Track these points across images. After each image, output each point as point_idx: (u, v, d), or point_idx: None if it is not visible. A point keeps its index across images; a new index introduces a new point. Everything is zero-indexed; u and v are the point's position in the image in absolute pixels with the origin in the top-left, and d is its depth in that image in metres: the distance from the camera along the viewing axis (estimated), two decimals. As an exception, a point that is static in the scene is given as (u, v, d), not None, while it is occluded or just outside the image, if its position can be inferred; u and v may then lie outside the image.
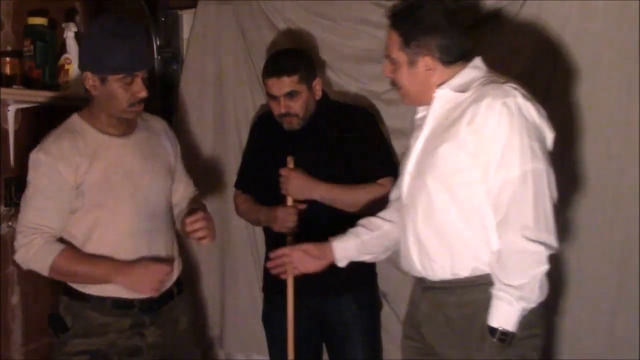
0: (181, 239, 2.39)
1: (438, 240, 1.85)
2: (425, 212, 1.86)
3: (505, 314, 1.74)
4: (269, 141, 2.59)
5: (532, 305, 1.75)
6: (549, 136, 1.82)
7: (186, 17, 3.16)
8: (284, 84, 2.39)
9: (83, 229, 2.11)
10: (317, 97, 2.49)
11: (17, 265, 2.18)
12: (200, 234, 2.17)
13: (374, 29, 2.61)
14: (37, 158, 2.07)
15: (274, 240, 2.46)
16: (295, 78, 2.40)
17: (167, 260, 2.18)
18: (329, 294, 2.47)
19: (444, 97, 1.87)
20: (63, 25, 2.77)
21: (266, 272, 2.62)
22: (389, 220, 2.10)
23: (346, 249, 2.13)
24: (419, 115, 1.98)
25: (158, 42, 3.12)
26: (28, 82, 2.58)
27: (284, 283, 2.36)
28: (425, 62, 1.88)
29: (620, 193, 2.42)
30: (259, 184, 2.59)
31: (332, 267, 2.32)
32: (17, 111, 2.62)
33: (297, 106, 2.42)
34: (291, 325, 2.38)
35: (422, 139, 1.91)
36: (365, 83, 2.74)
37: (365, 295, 2.55)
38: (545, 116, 1.80)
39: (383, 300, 2.72)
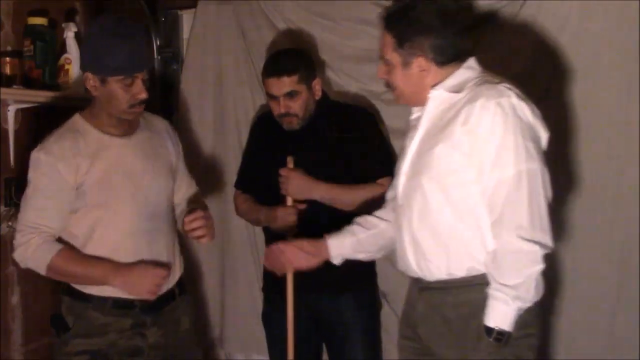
0: (183, 239, 2.39)
1: (434, 240, 1.85)
2: (421, 213, 1.86)
3: (501, 314, 1.74)
4: (269, 141, 2.59)
5: (528, 304, 1.75)
6: (544, 136, 1.81)
7: (186, 17, 3.16)
8: (284, 84, 2.39)
9: (84, 229, 2.11)
10: (317, 97, 2.50)
11: (17, 265, 2.18)
12: (199, 232, 2.17)
13: (374, 29, 2.59)
14: (38, 158, 2.08)
15: (274, 240, 2.45)
16: (295, 78, 2.40)
17: (166, 264, 2.18)
18: (329, 293, 2.47)
19: (438, 98, 1.87)
20: (63, 25, 2.77)
21: (266, 272, 2.62)
22: (385, 220, 2.11)
23: (341, 247, 2.13)
24: (414, 115, 1.99)
25: (158, 42, 3.12)
26: (28, 82, 2.58)
27: (283, 283, 2.37)
28: (419, 63, 1.88)
29: (620, 193, 2.42)
30: (259, 184, 2.59)
31: (332, 267, 2.32)
32: (17, 111, 2.62)
33: (296, 106, 2.43)
34: (291, 325, 2.38)
35: (417, 140, 1.91)
36: (365, 83, 2.74)
37: (365, 295, 2.56)
38: (539, 116, 1.80)
39: (383, 300, 2.72)
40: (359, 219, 2.16)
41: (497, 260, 1.75)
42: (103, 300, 2.11)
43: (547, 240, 1.74)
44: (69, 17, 2.88)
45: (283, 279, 2.36)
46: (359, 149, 2.45)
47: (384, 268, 2.60)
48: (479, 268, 1.81)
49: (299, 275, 2.33)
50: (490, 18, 2.54)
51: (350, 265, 2.30)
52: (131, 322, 2.13)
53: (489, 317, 1.75)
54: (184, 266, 2.35)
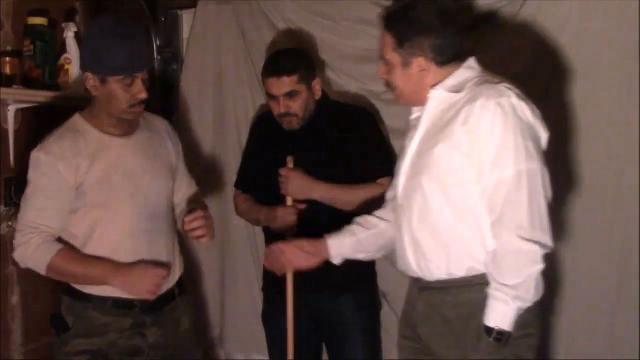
0: (183, 239, 2.39)
1: (434, 240, 1.85)
2: (421, 213, 1.86)
3: (501, 314, 1.74)
4: (269, 141, 2.59)
5: (528, 304, 1.75)
6: (544, 136, 1.81)
7: (186, 17, 3.16)
8: (284, 84, 2.39)
9: (84, 229, 2.11)
10: (317, 97, 2.50)
11: (17, 265, 2.18)
12: (198, 232, 2.17)
13: (374, 29, 2.59)
14: (38, 157, 2.08)
15: (274, 240, 2.45)
16: (294, 78, 2.40)
17: (166, 264, 2.18)
18: (329, 293, 2.47)
19: (438, 98, 1.87)
20: (63, 25, 2.77)
21: (266, 272, 2.62)
22: (385, 220, 2.11)
23: (341, 247, 2.13)
24: (414, 115, 1.99)
25: (158, 42, 3.12)
26: (28, 82, 2.58)
27: (283, 283, 2.37)
28: (419, 63, 1.88)
29: (620, 193, 2.42)
30: (258, 184, 2.59)
31: (332, 267, 2.32)
32: (17, 111, 2.62)
33: (296, 106, 2.43)
34: (291, 324, 2.38)
35: (417, 140, 1.91)
36: (365, 83, 2.74)
37: (365, 295, 2.56)
38: (539, 116, 1.80)
39: (383, 300, 2.72)
40: (359, 219, 2.16)
41: (497, 260, 1.75)
42: (103, 300, 2.11)
43: (547, 240, 1.74)
44: (69, 17, 2.88)
45: (283, 279, 2.36)
46: (359, 149, 2.45)
47: (384, 268, 2.60)
48: (479, 268, 1.81)
49: (299, 275, 2.33)
50: (490, 18, 2.54)
51: (350, 265, 2.30)
52: (131, 322, 2.13)
53: (489, 317, 1.75)
54: (184, 266, 2.35)
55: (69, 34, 2.72)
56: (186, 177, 2.41)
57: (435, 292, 1.88)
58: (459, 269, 1.83)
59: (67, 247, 2.10)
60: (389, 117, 2.68)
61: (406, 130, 2.05)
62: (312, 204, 2.42)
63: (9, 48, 2.62)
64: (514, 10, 2.51)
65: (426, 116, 1.90)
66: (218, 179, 3.01)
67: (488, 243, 1.78)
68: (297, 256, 2.18)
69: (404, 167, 1.94)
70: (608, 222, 2.44)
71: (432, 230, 1.85)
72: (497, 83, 1.80)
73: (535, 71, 2.49)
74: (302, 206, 2.43)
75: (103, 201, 2.10)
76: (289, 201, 2.44)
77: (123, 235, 2.12)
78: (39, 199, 2.08)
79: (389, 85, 1.98)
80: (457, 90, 1.84)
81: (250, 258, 2.98)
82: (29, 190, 2.10)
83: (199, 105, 3.06)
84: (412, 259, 1.90)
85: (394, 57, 1.91)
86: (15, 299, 2.66)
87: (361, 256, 2.17)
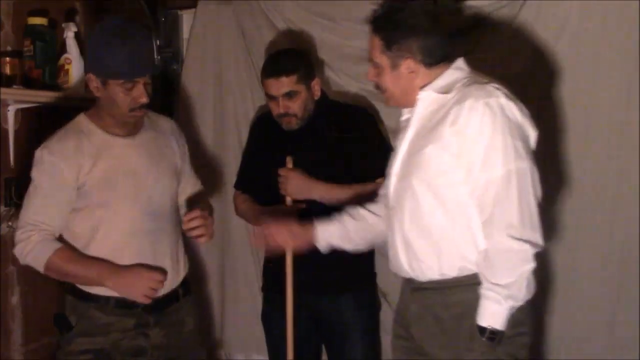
0: (188, 239, 2.38)
1: (425, 241, 1.85)
2: (412, 213, 1.86)
3: (493, 313, 1.74)
4: (268, 141, 2.59)
5: (520, 303, 1.75)
6: (532, 135, 1.81)
7: (186, 17, 3.16)
8: (283, 84, 2.39)
9: (87, 228, 2.11)
10: (316, 97, 2.50)
11: (17, 265, 2.18)
12: (197, 232, 2.16)
13: (374, 29, 2.61)
14: (41, 156, 2.09)
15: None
16: (293, 78, 2.40)
17: (163, 268, 2.17)
18: (329, 293, 2.47)
19: (427, 99, 1.87)
20: (63, 25, 2.77)
21: (265, 272, 2.63)
22: (376, 214, 2.11)
23: (328, 234, 2.14)
24: (404, 117, 1.99)
25: (158, 42, 3.11)
26: (28, 82, 2.57)
27: (283, 283, 2.37)
28: (408, 65, 1.88)
29: (620, 193, 2.43)
30: (258, 184, 2.59)
31: (332, 267, 2.33)
32: (17, 111, 2.62)
33: (295, 106, 2.42)
34: (290, 324, 2.38)
35: (407, 141, 1.91)
36: (365, 83, 2.71)
37: (365, 295, 2.56)
38: (528, 115, 1.80)
39: (383, 300, 2.72)
40: (350, 210, 2.16)
41: (489, 259, 1.76)
42: (106, 299, 2.11)
43: (538, 238, 1.74)
44: (69, 17, 2.88)
45: (283, 279, 2.36)
46: (358, 149, 2.45)
47: (384, 268, 2.58)
48: (470, 268, 1.81)
49: (299, 276, 2.33)
50: (490, 18, 2.54)
51: (350, 265, 2.31)
52: (134, 322, 2.13)
53: (481, 316, 1.75)
54: (188, 266, 2.34)
55: (69, 34, 2.72)
56: (191, 178, 2.40)
57: (428, 292, 1.88)
58: (451, 269, 1.83)
59: (65, 247, 2.10)
60: (389, 117, 2.68)
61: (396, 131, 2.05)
62: (312, 204, 2.42)
63: (9, 48, 2.61)
64: (514, 11, 2.52)
65: (416, 117, 1.90)
66: (218, 179, 3.01)
67: (479, 243, 1.78)
68: (283, 235, 2.17)
69: (395, 168, 1.94)
70: (608, 222, 2.44)
71: (424, 230, 1.85)
72: (486, 83, 1.80)
73: (535, 71, 2.49)
74: (302, 206, 2.43)
75: (106, 201, 2.10)
76: (288, 201, 2.45)
77: (126, 235, 2.12)
78: (40, 197, 2.09)
79: (378, 87, 1.98)
80: (446, 91, 1.84)
81: (250, 258, 2.99)
82: (31, 188, 2.11)
83: (199, 105, 3.06)
84: (404, 260, 1.90)
85: (382, 59, 1.91)
86: (15, 299, 2.66)
87: (348, 246, 2.17)
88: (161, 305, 2.17)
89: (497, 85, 1.79)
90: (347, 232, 2.13)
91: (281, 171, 2.43)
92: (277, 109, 2.44)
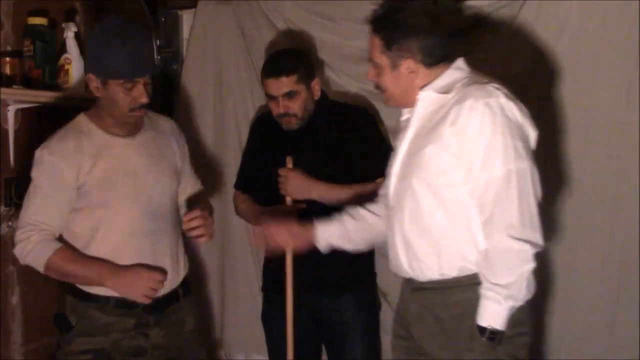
0: (188, 239, 2.38)
1: (425, 241, 1.85)
2: (412, 214, 1.86)
3: (493, 313, 1.74)
4: (268, 141, 2.59)
5: (520, 303, 1.75)
6: (532, 135, 1.81)
7: (186, 17, 3.16)
8: (283, 84, 2.39)
9: (87, 228, 2.11)
10: (316, 97, 2.50)
11: (17, 265, 2.18)
12: (197, 232, 2.17)
13: (374, 29, 2.60)
14: (41, 156, 2.09)
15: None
16: (293, 78, 2.40)
17: (163, 268, 2.17)
18: (329, 293, 2.47)
19: (427, 99, 1.88)
20: (63, 25, 2.77)
21: (265, 272, 2.63)
22: (376, 214, 2.11)
23: (328, 233, 2.14)
24: (404, 117, 1.99)
25: (158, 42, 3.11)
26: (28, 82, 2.57)
27: (283, 283, 2.37)
28: (408, 65, 1.88)
29: (620, 193, 2.43)
30: (258, 184, 2.59)
31: (332, 267, 2.32)
32: (17, 111, 2.62)
33: (295, 106, 2.43)
34: (290, 324, 2.38)
35: (407, 141, 1.91)
36: (365, 83, 2.71)
37: (365, 295, 2.56)
38: (528, 115, 1.80)
39: (383, 300, 2.72)
40: (350, 210, 2.17)
41: (489, 259, 1.76)
42: (105, 299, 2.11)
43: (538, 238, 1.74)
44: (69, 17, 2.88)
45: (283, 279, 2.36)
46: (358, 149, 2.45)
47: (385, 268, 2.58)
48: (470, 268, 1.81)
49: (299, 276, 2.33)
50: (490, 18, 2.54)
51: (350, 265, 2.31)
52: (134, 322, 2.13)
53: (481, 316, 1.75)
54: (189, 266, 2.34)
55: (69, 34, 2.72)
56: (192, 179, 2.40)
57: (428, 292, 1.88)
58: (451, 269, 1.83)
59: (65, 247, 2.10)
60: (389, 117, 2.68)
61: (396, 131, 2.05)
62: (312, 204, 2.42)
63: (9, 48, 2.61)
64: (514, 11, 2.52)
65: (416, 117, 1.90)
66: (218, 179, 3.01)
67: (479, 243, 1.79)
68: (282, 235, 2.17)
69: (395, 169, 1.94)
70: (608, 222, 2.44)
71: (424, 230, 1.85)
72: (486, 83, 1.80)
73: (535, 71, 2.49)
74: (302, 206, 2.43)
75: (106, 201, 2.10)
76: (288, 201, 2.45)
77: (126, 235, 2.12)
78: (39, 197, 2.09)
79: (378, 87, 1.99)
80: (446, 91, 1.84)
81: (250, 258, 2.99)
82: (31, 188, 2.11)
83: (199, 105, 3.06)
84: (404, 260, 1.90)
85: (382, 59, 1.91)
86: (15, 299, 2.66)
87: (348, 246, 2.17)
88: (161, 305, 2.17)
89: (497, 85, 1.79)
90: (347, 232, 2.14)
91: (281, 171, 2.43)
92: (277, 109, 2.44)
